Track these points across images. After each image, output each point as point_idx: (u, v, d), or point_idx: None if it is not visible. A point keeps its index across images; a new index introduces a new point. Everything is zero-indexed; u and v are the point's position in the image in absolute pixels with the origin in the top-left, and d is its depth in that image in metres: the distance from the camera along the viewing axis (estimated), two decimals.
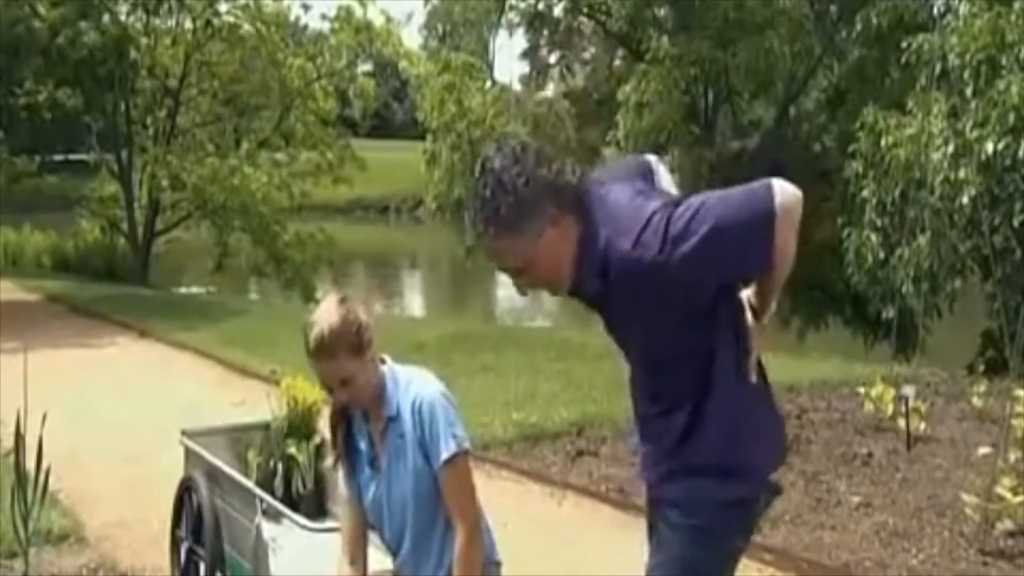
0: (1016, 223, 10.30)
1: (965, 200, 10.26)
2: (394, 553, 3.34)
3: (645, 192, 2.81)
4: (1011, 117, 9.92)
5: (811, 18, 17.76)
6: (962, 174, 10.29)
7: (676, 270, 2.60)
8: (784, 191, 2.63)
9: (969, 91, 10.60)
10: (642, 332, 2.83)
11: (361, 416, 3.29)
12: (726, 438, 2.80)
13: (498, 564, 3.36)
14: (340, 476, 3.39)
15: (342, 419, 3.31)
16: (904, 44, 11.62)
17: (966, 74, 10.62)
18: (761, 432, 2.91)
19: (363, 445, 3.29)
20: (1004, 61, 10.38)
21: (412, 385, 3.21)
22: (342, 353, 3.07)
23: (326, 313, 3.09)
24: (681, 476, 2.85)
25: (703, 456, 2.81)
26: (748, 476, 2.89)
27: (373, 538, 3.41)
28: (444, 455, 3.13)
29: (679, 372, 2.81)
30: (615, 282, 2.68)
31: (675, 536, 2.87)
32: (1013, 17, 10.45)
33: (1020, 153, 9.87)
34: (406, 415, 3.17)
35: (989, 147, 10.04)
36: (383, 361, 3.23)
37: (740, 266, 2.70)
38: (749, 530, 2.98)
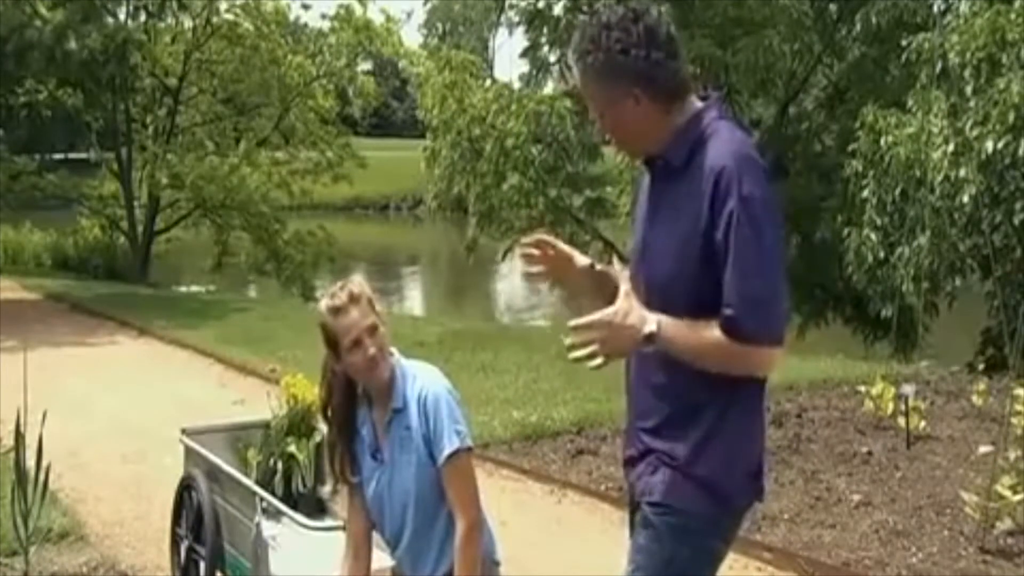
0: (1016, 222, 10.30)
1: (965, 199, 10.26)
2: (393, 548, 3.35)
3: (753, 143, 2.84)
4: (1011, 116, 9.92)
5: (811, 16, 17.69)
6: (962, 173, 10.28)
7: (736, 226, 2.59)
8: (773, 361, 2.69)
9: (969, 90, 10.59)
10: (675, 231, 2.74)
11: (366, 405, 3.30)
12: (733, 436, 2.75)
13: (497, 563, 3.36)
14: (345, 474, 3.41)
15: (347, 400, 3.32)
16: (904, 43, 11.61)
17: (966, 73, 10.61)
18: (759, 431, 2.87)
19: (365, 433, 3.30)
20: (1004, 59, 10.38)
21: (419, 379, 3.24)
22: (367, 304, 3.20)
23: (343, 281, 3.27)
24: (669, 468, 2.77)
25: (702, 456, 2.74)
26: (749, 470, 2.82)
27: (376, 538, 3.42)
28: (447, 451, 3.15)
29: (692, 304, 2.71)
30: (696, 168, 2.68)
31: (657, 537, 2.78)
32: (1013, 15, 10.44)
33: (1020, 152, 9.86)
34: (412, 408, 3.19)
35: (989, 146, 10.03)
36: (391, 354, 3.26)
37: (735, 299, 2.62)
38: (734, 534, 2.90)
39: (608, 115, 2.81)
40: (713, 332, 2.63)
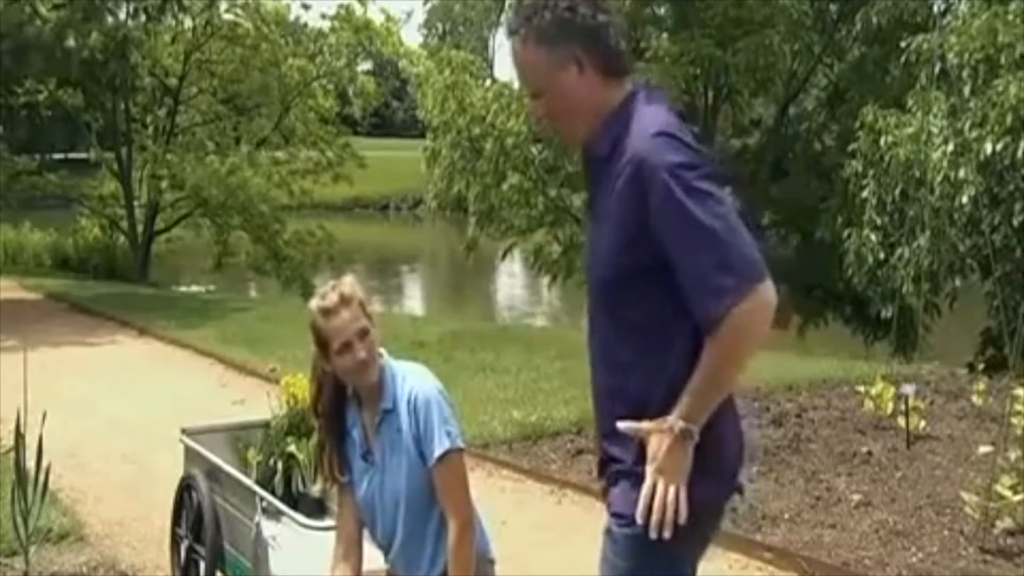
0: (1016, 222, 10.30)
1: (965, 200, 10.26)
2: (386, 550, 3.34)
3: (689, 132, 2.68)
4: (1009, 117, 9.92)
5: (811, 16, 17.72)
6: (962, 173, 10.28)
7: (659, 203, 2.48)
8: (770, 291, 2.48)
9: (967, 91, 10.59)
10: (609, 231, 2.63)
11: (356, 406, 3.29)
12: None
13: (492, 562, 3.36)
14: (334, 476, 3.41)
15: (336, 400, 3.32)
16: (903, 44, 11.62)
17: (964, 74, 10.61)
18: (733, 421, 2.73)
19: (355, 434, 3.30)
20: (1003, 60, 10.38)
21: (408, 380, 3.23)
22: (358, 306, 3.18)
23: (335, 282, 3.25)
24: (624, 479, 2.66)
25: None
26: (724, 472, 2.71)
27: (370, 536, 3.41)
28: (438, 451, 3.14)
29: (635, 316, 2.62)
30: (617, 160, 2.59)
31: (617, 549, 2.67)
32: (1011, 17, 10.43)
33: (1019, 153, 9.87)
34: (402, 409, 3.18)
35: (988, 147, 10.03)
36: (380, 355, 3.25)
37: (697, 283, 2.48)
38: (709, 533, 2.75)
39: (548, 88, 2.69)
40: (704, 359, 2.50)
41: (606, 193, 2.62)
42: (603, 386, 2.77)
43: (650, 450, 2.54)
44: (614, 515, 2.68)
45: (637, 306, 2.61)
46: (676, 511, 2.50)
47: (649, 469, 2.53)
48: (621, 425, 2.59)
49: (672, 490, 2.50)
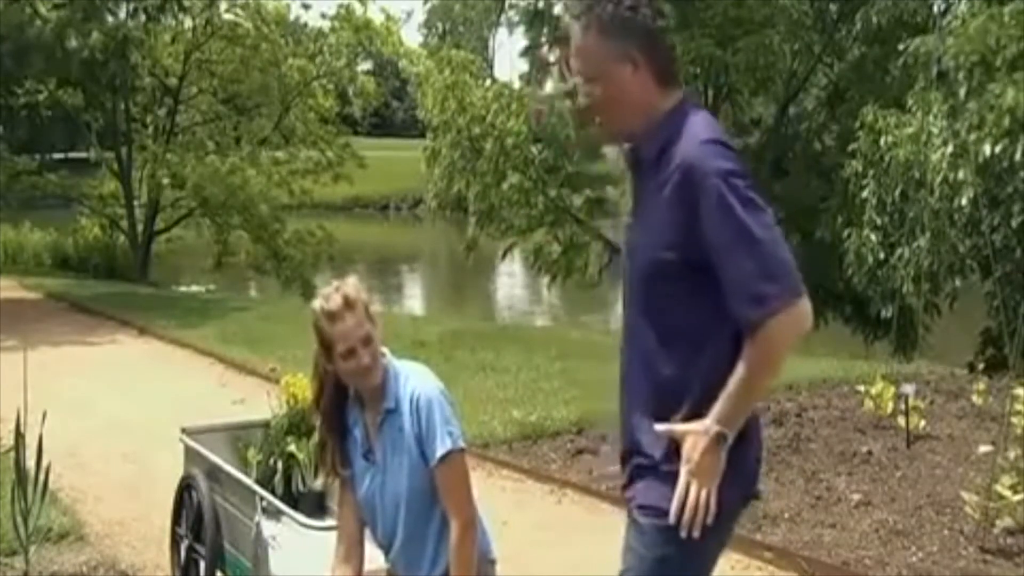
0: (1015, 223, 10.30)
1: (964, 201, 10.26)
2: (387, 550, 3.34)
3: (729, 140, 2.74)
4: (1007, 120, 9.92)
5: (811, 16, 17.71)
6: (960, 175, 10.28)
7: (709, 208, 2.53)
8: (807, 307, 2.57)
9: (963, 93, 10.59)
10: (654, 232, 2.68)
11: (357, 406, 3.29)
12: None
13: (492, 562, 3.36)
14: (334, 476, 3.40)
15: (337, 398, 3.31)
16: (902, 47, 11.62)
17: (960, 76, 10.61)
18: (756, 428, 2.80)
19: (357, 433, 3.30)
20: (999, 63, 10.38)
21: (411, 380, 3.23)
22: (362, 311, 3.15)
23: (338, 282, 3.21)
24: (650, 470, 2.72)
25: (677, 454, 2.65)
26: (746, 478, 2.77)
27: (371, 536, 3.41)
28: (440, 452, 3.14)
29: (673, 318, 2.67)
30: (667, 164, 2.63)
31: (644, 539, 2.72)
32: (1007, 19, 10.42)
33: (1017, 156, 9.86)
34: (404, 409, 3.18)
35: (987, 149, 10.03)
36: (382, 355, 3.24)
37: (738, 287, 2.54)
38: (728, 530, 2.79)
39: (601, 80, 2.72)
40: (741, 365, 2.56)
41: (652, 195, 2.68)
42: (638, 385, 2.80)
43: (685, 451, 2.60)
44: (640, 507, 2.73)
45: (676, 308, 2.67)
46: (707, 512, 2.58)
47: (683, 470, 2.59)
48: (658, 427, 2.65)
49: (704, 492, 2.57)
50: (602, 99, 2.75)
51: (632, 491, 2.79)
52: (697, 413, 2.61)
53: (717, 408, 2.57)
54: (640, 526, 2.73)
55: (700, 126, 2.66)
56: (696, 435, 2.58)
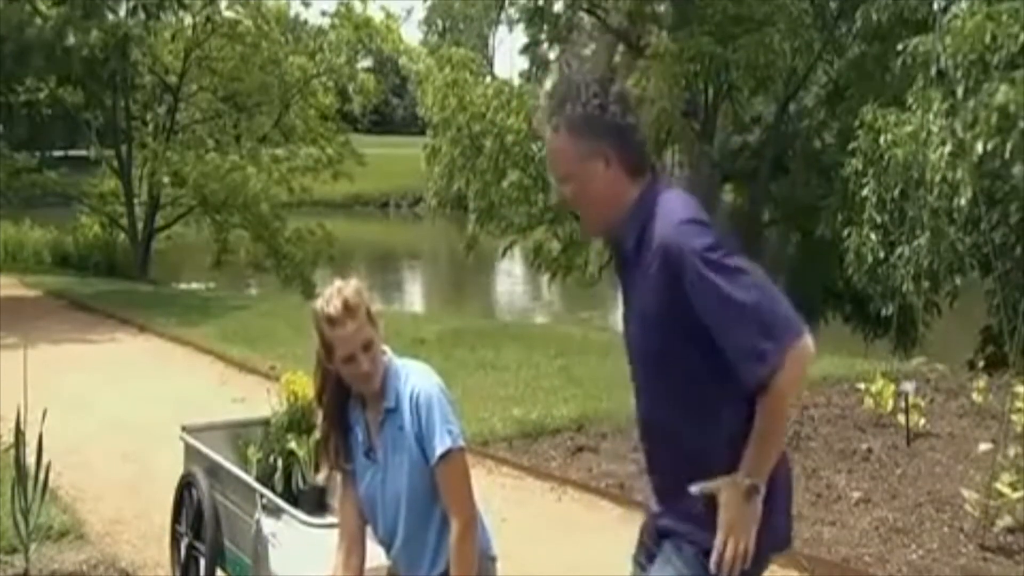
0: (1013, 221, 10.31)
1: (963, 201, 10.27)
2: (387, 548, 3.34)
3: (706, 216, 2.80)
4: (995, 117, 9.92)
5: (811, 14, 17.73)
6: (959, 174, 10.29)
7: (695, 286, 2.62)
8: (809, 346, 2.65)
9: (961, 91, 10.60)
10: (646, 315, 2.78)
11: (359, 404, 3.29)
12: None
13: (493, 559, 3.36)
14: (334, 474, 3.41)
15: (339, 395, 3.31)
16: (901, 46, 11.62)
17: (958, 75, 10.62)
18: (785, 475, 2.95)
19: (359, 431, 3.30)
20: (995, 61, 10.38)
21: (411, 378, 3.22)
22: (363, 316, 3.15)
23: (340, 284, 3.21)
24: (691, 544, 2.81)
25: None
26: (782, 528, 2.96)
27: (372, 533, 3.41)
28: (439, 450, 3.14)
29: (685, 400, 2.78)
30: (647, 250, 2.71)
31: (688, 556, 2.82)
32: (1005, 17, 10.43)
33: (1007, 153, 9.87)
34: (404, 407, 3.18)
35: (980, 147, 10.04)
36: (383, 353, 3.24)
37: (741, 354, 2.64)
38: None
39: (575, 177, 2.80)
40: (759, 421, 2.67)
41: (639, 281, 2.77)
42: (665, 458, 2.91)
43: (720, 506, 2.71)
44: (688, 540, 2.82)
45: (687, 385, 2.77)
46: (745, 559, 2.71)
47: (721, 523, 2.70)
48: (693, 488, 2.74)
49: (742, 545, 2.70)
50: (577, 196, 2.85)
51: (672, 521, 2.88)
52: (729, 468, 2.72)
53: (745, 463, 2.69)
54: (680, 547, 2.83)
55: (672, 206, 2.74)
56: (729, 489, 2.70)
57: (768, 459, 2.72)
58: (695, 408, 2.77)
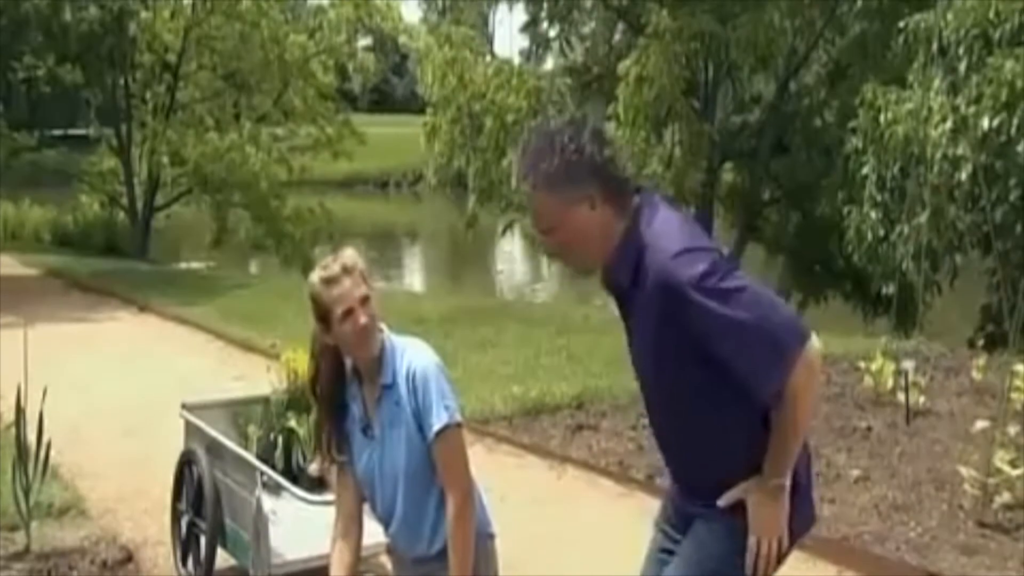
0: (1013, 197, 10.29)
1: (964, 176, 10.25)
2: (386, 525, 3.35)
3: (697, 229, 2.82)
4: (1004, 92, 9.89)
5: None
6: (960, 150, 10.26)
7: (696, 316, 2.62)
8: (815, 347, 2.68)
9: (963, 67, 10.56)
10: (652, 345, 2.80)
11: (356, 381, 3.29)
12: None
13: (491, 536, 3.36)
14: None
15: (335, 377, 3.31)
16: (902, 23, 11.58)
17: (960, 51, 10.58)
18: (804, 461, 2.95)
19: (356, 409, 3.30)
20: (998, 36, 10.34)
21: (407, 354, 3.23)
22: (359, 273, 3.17)
23: (335, 254, 3.22)
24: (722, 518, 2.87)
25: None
26: (808, 517, 2.99)
27: (371, 511, 3.42)
28: (436, 426, 3.14)
29: (704, 425, 2.81)
30: (643, 285, 2.71)
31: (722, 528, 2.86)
32: None
33: (1014, 129, 9.84)
34: (401, 383, 3.18)
35: (985, 122, 10.01)
36: (380, 330, 3.24)
37: (750, 374, 2.68)
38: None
39: (562, 226, 2.77)
40: (775, 429, 2.73)
41: (640, 313, 2.78)
42: (691, 474, 2.96)
43: (750, 509, 2.79)
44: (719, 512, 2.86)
45: (704, 410, 2.79)
46: (779, 558, 2.84)
47: (752, 526, 2.79)
48: (720, 502, 2.81)
49: (774, 544, 2.82)
50: (566, 244, 2.82)
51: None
52: (755, 471, 2.79)
53: (768, 465, 2.76)
54: (711, 520, 2.87)
55: (664, 233, 2.71)
56: (757, 493, 2.78)
57: (790, 458, 2.76)
58: (715, 432, 2.81)
